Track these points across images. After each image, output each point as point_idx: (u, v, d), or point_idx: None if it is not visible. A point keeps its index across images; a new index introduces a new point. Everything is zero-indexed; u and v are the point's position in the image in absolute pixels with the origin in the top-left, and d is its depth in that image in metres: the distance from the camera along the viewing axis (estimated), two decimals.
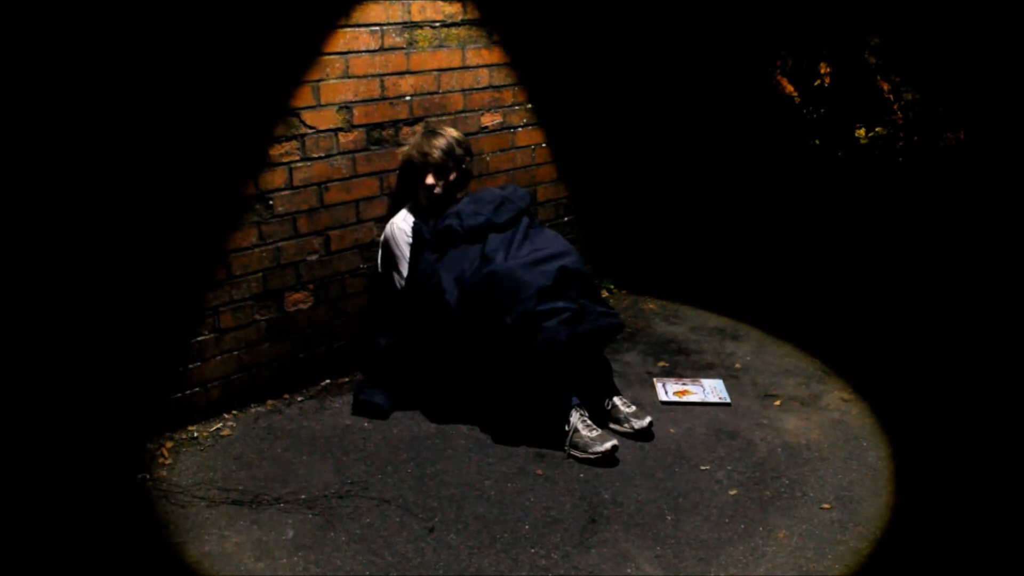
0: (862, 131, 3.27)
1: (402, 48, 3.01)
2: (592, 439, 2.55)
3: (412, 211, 2.99)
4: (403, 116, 3.07)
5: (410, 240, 2.91)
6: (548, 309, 2.58)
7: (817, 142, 3.42)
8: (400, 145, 3.08)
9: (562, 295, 2.66)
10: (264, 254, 2.83)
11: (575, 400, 2.64)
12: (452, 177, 2.94)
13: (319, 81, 2.82)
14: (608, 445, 2.52)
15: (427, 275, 2.81)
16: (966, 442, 2.61)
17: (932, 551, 2.16)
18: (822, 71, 3.35)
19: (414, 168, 2.95)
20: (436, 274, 2.79)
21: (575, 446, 2.57)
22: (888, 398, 2.89)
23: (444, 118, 3.18)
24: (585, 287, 2.75)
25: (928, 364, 3.04)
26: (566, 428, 2.60)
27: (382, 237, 3.03)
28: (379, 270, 3.07)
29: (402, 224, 2.96)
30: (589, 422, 2.61)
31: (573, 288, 2.70)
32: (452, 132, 2.97)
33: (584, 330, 2.65)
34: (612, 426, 2.71)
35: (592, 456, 2.54)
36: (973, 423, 2.70)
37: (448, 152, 2.90)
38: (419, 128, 3.07)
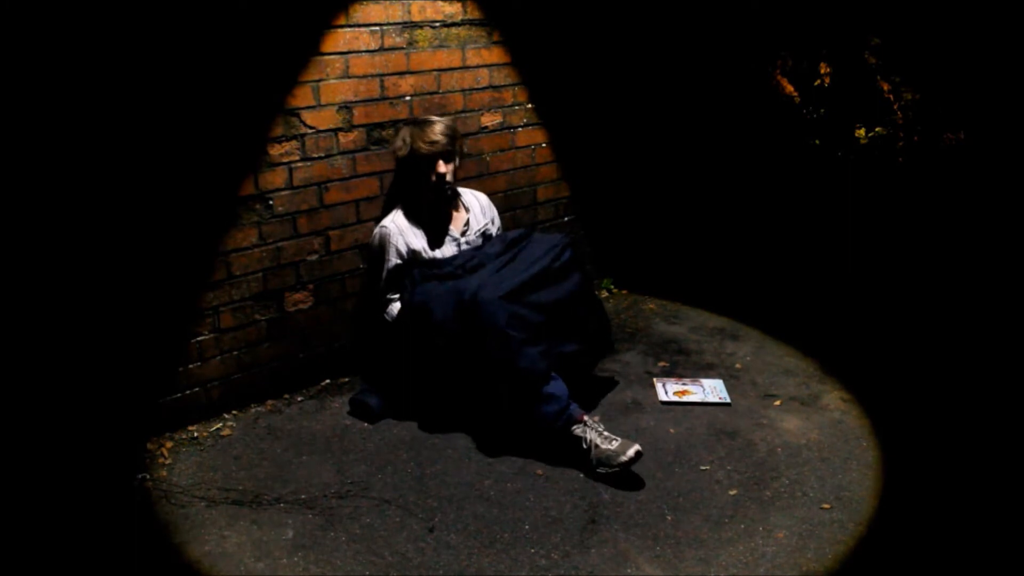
0: (862, 131, 3.27)
1: (402, 48, 3.01)
2: (613, 451, 2.43)
3: (408, 214, 2.93)
4: (403, 116, 3.07)
5: (399, 244, 2.87)
6: (524, 339, 2.54)
7: (817, 142, 3.42)
8: None
9: (540, 326, 2.61)
10: (264, 254, 2.83)
11: (578, 412, 2.54)
12: (457, 162, 2.92)
13: (319, 81, 2.82)
14: (631, 452, 2.41)
15: (421, 300, 2.74)
16: (968, 439, 2.61)
17: (922, 550, 2.16)
18: (822, 71, 3.35)
19: (416, 162, 2.86)
20: (428, 300, 2.72)
21: (600, 463, 2.45)
22: (888, 398, 2.89)
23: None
24: (563, 318, 2.70)
25: (929, 363, 3.03)
26: (583, 446, 2.48)
27: (374, 238, 2.95)
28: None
29: (399, 222, 2.90)
30: (603, 432, 2.50)
31: (554, 315, 2.67)
32: (442, 117, 2.94)
33: (560, 359, 2.65)
34: None
35: (619, 468, 2.42)
36: (975, 420, 2.70)
37: (451, 136, 2.86)
38: (401, 127, 2.94)
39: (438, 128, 2.85)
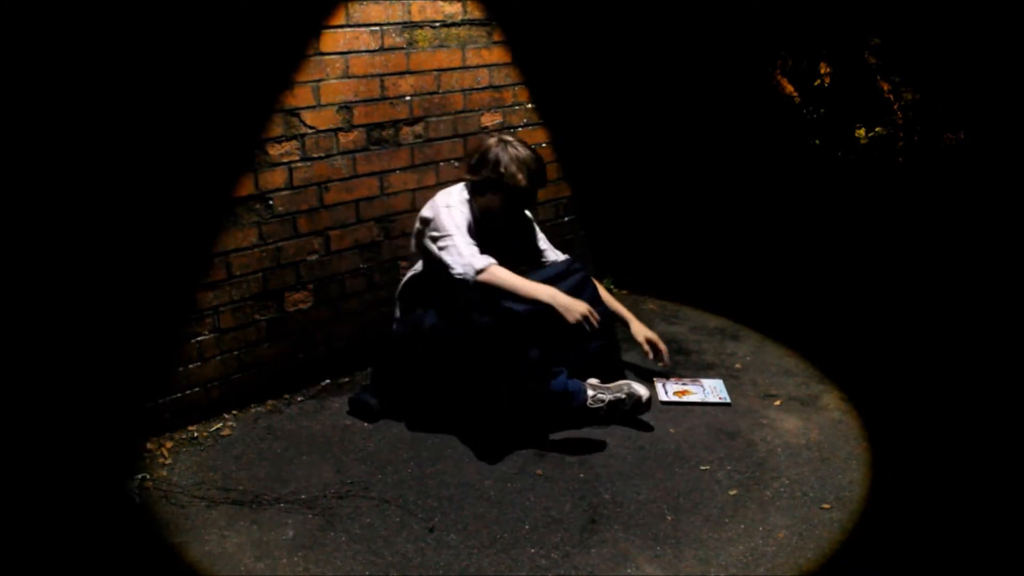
0: (862, 131, 3.27)
1: (402, 48, 3.01)
2: (623, 394, 2.72)
3: (471, 202, 2.77)
4: (403, 116, 3.07)
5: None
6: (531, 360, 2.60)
7: (817, 142, 3.42)
8: (400, 146, 3.08)
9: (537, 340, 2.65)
10: (264, 254, 2.83)
11: (575, 385, 2.71)
12: None
13: (319, 81, 2.82)
14: (643, 393, 2.72)
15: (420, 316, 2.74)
16: (967, 439, 2.61)
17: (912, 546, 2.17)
18: (822, 71, 3.35)
19: (515, 190, 2.70)
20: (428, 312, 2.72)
21: (622, 404, 2.72)
22: (888, 398, 2.89)
23: (444, 118, 3.18)
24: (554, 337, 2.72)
25: (929, 363, 3.03)
26: (600, 410, 2.71)
27: (429, 212, 2.72)
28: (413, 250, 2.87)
29: (454, 202, 2.71)
30: (608, 388, 2.74)
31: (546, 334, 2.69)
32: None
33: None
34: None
35: (637, 398, 2.72)
36: (975, 419, 2.70)
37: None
38: (516, 153, 2.70)
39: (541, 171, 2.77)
